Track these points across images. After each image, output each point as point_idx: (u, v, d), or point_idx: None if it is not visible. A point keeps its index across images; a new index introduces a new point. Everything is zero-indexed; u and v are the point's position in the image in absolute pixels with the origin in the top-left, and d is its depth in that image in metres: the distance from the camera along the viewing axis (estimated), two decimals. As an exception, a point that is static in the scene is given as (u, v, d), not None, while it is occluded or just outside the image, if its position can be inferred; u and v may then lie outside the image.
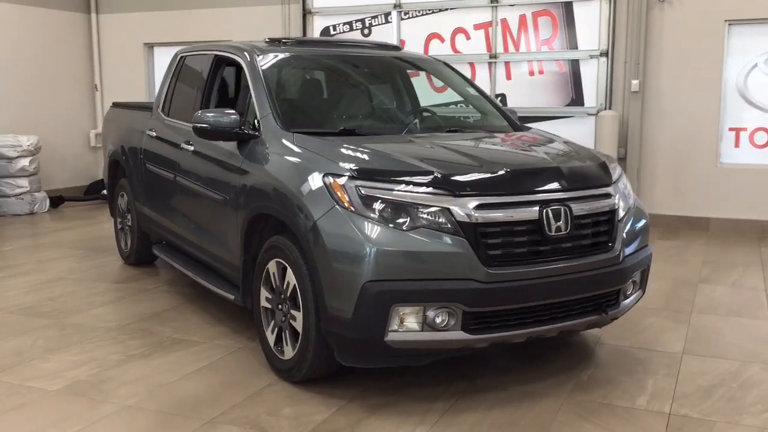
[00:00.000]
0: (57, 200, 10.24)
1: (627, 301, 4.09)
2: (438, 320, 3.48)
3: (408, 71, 5.65)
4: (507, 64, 9.23)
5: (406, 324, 3.48)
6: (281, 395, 3.82)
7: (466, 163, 3.84)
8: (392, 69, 5.42)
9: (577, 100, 8.99)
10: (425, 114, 5.31)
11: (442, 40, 9.50)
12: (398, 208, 3.51)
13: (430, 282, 3.45)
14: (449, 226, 3.49)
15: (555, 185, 3.79)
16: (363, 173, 3.61)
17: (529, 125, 5.19)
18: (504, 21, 9.17)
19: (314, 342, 3.71)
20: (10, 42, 10.14)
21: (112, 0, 11.22)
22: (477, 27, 9.31)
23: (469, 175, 3.70)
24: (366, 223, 3.48)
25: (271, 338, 4.07)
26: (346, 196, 3.55)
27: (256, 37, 9.86)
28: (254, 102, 4.46)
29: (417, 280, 3.45)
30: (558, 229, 3.66)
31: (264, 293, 4.11)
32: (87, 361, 4.30)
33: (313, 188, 3.67)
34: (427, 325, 3.48)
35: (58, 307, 5.39)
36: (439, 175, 3.60)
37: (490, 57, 9.25)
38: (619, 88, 8.68)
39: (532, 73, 9.16)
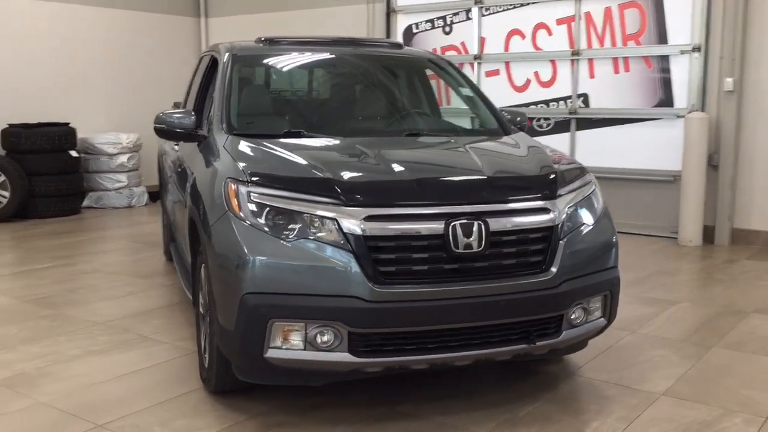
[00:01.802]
0: (156, 195, 10.79)
1: (574, 331, 3.58)
2: (321, 339, 3.22)
3: (415, 70, 5.31)
4: (590, 61, 8.55)
5: (291, 341, 3.24)
6: (190, 405, 3.72)
7: (372, 170, 3.54)
8: (379, 68, 5.14)
9: (666, 100, 8.14)
10: (399, 116, 4.92)
11: (523, 36, 8.98)
12: (287, 216, 3.28)
13: (312, 298, 3.19)
14: (336, 238, 3.21)
15: (469, 197, 3.39)
16: (258, 179, 3.42)
17: (516, 130, 4.69)
18: (588, 15, 8.50)
19: (216, 353, 3.58)
20: (121, 46, 10.82)
21: (220, 4, 11.66)
22: (559, 22, 8.70)
23: (365, 184, 3.40)
24: (251, 231, 3.28)
25: (202, 345, 3.98)
26: (237, 202, 3.37)
27: (344, 35, 9.91)
28: (214, 103, 4.39)
29: (298, 294, 3.20)
30: (468, 246, 3.27)
31: (200, 298, 4.03)
32: (45, 354, 4.43)
33: (215, 193, 3.54)
34: (309, 344, 3.23)
35: (69, 299, 5.63)
36: (332, 183, 3.33)
37: (573, 54, 8.61)
38: (713, 86, 7.76)
39: (617, 71, 8.42)
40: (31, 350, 4.51)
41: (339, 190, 3.29)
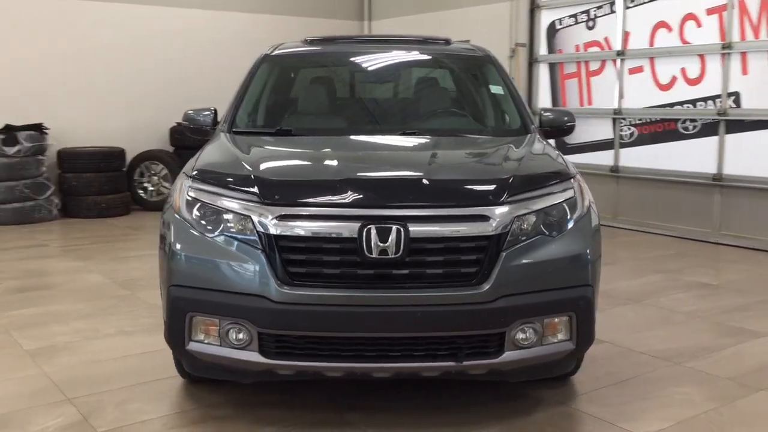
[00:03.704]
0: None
1: (522, 353, 3.20)
2: (235, 337, 3.20)
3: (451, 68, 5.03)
4: (743, 55, 7.53)
5: (211, 336, 3.26)
6: (155, 390, 3.86)
7: (304, 169, 3.43)
8: (408, 66, 4.92)
9: (832, 99, 6.96)
10: (408, 114, 4.64)
11: (670, 29, 8.14)
12: (213, 212, 3.30)
13: (225, 294, 3.18)
14: (250, 236, 3.17)
15: (389, 200, 3.16)
16: (197, 174, 3.48)
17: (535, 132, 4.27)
18: (742, 2, 7.49)
19: None
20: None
21: (383, 7, 11.90)
22: (710, 11, 7.77)
23: (281, 182, 3.31)
24: (181, 224, 3.35)
25: None
26: (177, 196, 3.46)
27: (486, 35, 9.70)
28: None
29: (213, 290, 3.20)
30: (384, 251, 3.06)
31: None
32: (85, 330, 4.85)
33: (173, 186, 3.66)
34: (224, 340, 3.22)
35: (152, 283, 6.06)
36: (252, 181, 3.28)
37: (723, 47, 7.65)
38: None
39: (773, 66, 7.34)
40: (77, 325, 4.96)
41: (257, 188, 3.24)
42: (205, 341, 3.27)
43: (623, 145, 8.72)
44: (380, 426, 3.43)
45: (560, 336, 3.29)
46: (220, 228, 3.25)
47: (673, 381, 3.99)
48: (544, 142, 4.03)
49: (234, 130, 4.20)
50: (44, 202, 9.08)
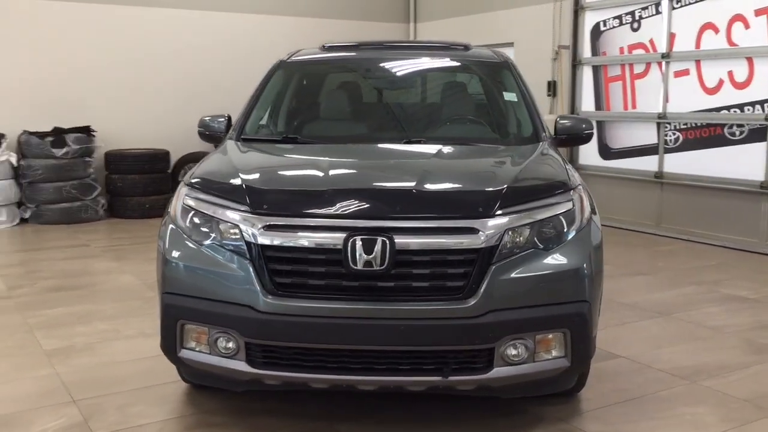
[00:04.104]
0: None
1: (512, 370, 3.12)
2: (223, 346, 3.21)
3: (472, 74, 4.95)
4: (794, 57, 7.21)
5: (201, 344, 3.29)
6: (158, 394, 3.91)
7: (295, 179, 3.43)
8: (420, 72, 4.85)
9: None
10: (414, 122, 4.57)
11: (717, 30, 7.85)
12: (206, 220, 3.32)
13: (213, 303, 3.19)
14: (239, 245, 3.18)
15: (375, 211, 3.12)
16: (194, 182, 3.51)
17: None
18: (792, 3, 7.17)
19: None
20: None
21: (429, 9, 11.84)
22: (758, 12, 7.46)
23: (269, 192, 3.31)
24: (175, 233, 3.39)
25: None
26: (175, 203, 3.50)
27: (530, 37, 9.55)
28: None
29: (203, 299, 3.23)
30: (369, 263, 3.03)
31: None
32: (106, 331, 4.96)
33: (175, 195, 3.69)
34: (212, 348, 3.24)
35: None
36: (242, 191, 3.29)
37: (773, 49, 7.33)
38: None
39: (826, 69, 7.01)
40: (100, 326, 5.08)
41: (247, 197, 3.25)
42: (196, 349, 3.30)
43: (668, 151, 8.45)
44: (371, 438, 3.40)
45: (555, 353, 3.19)
46: (212, 237, 3.27)
47: (686, 400, 3.84)
48: (552, 152, 3.92)
49: (243, 137, 4.22)
50: (91, 202, 9.34)
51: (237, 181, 3.39)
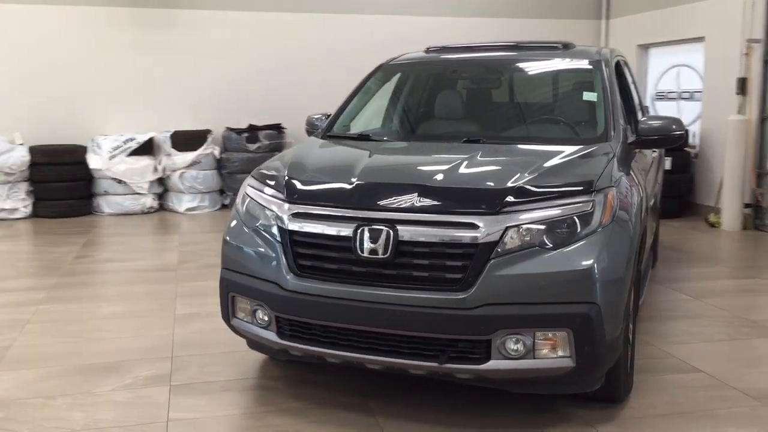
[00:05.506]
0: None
1: (509, 363, 3.19)
2: (260, 317, 3.64)
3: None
4: None
5: (246, 314, 3.73)
6: (242, 358, 4.40)
7: (331, 171, 3.74)
8: (515, 74, 4.84)
9: None
10: (488, 122, 4.60)
11: None
12: (255, 207, 3.77)
13: (251, 279, 3.63)
14: (275, 230, 3.58)
15: (382, 204, 3.36)
16: (256, 173, 3.96)
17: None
18: None
19: None
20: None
21: (623, 4, 11.41)
22: None
23: (303, 182, 3.66)
24: (234, 217, 3.88)
25: None
26: (240, 192, 3.98)
27: (717, 31, 8.95)
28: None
29: (246, 275, 3.67)
30: (374, 251, 3.28)
31: None
32: (146, 314, 5.50)
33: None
34: (253, 318, 3.68)
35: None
36: (282, 181, 3.69)
37: None
38: None
39: None
40: (149, 307, 5.60)
41: (284, 188, 3.64)
42: (243, 319, 3.76)
43: None
44: (395, 417, 3.62)
45: (560, 352, 3.20)
46: (259, 222, 3.70)
47: (740, 421, 3.58)
48: (606, 152, 3.82)
49: (328, 134, 4.62)
50: (279, 192, 10.30)
51: (282, 173, 3.80)
